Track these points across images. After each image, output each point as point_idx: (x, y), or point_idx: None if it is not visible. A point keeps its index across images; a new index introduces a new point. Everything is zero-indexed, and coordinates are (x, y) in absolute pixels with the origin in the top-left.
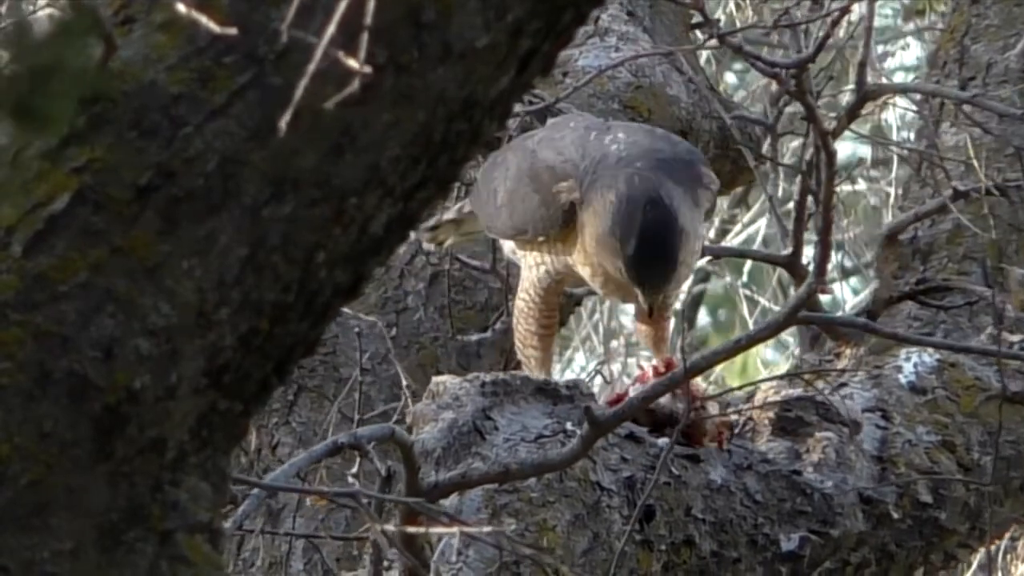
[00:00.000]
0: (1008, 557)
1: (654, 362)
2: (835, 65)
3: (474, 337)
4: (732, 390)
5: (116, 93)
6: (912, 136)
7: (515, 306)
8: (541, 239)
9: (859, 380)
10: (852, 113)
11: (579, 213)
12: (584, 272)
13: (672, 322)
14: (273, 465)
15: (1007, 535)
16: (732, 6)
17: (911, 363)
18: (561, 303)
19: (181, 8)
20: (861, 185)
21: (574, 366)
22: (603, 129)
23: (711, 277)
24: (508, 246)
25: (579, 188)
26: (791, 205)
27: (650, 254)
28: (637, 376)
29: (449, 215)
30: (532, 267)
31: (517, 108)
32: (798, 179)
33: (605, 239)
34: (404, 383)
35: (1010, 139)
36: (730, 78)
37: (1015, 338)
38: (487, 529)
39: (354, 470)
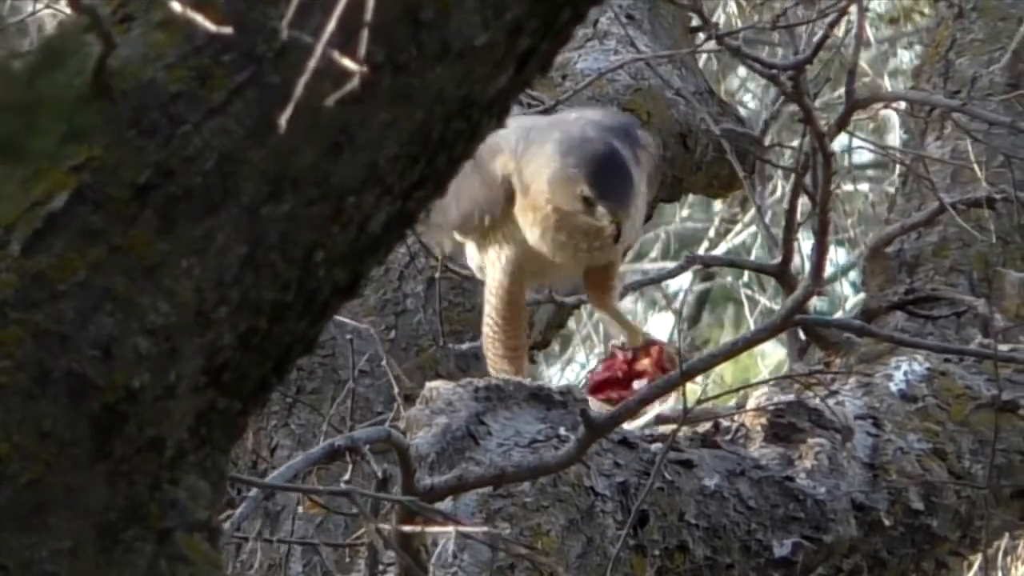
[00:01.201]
0: (1008, 558)
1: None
2: (832, 66)
3: (465, 346)
4: (726, 393)
5: (105, 100)
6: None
7: (482, 333)
8: (488, 220)
9: (850, 388)
10: (842, 122)
11: (516, 181)
12: (539, 239)
13: (618, 299)
14: (271, 468)
15: (998, 543)
16: (733, 7)
17: (901, 371)
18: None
19: (178, 7)
20: (863, 186)
21: (574, 365)
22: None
23: (715, 277)
24: (473, 259)
25: (514, 159)
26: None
27: (609, 171)
28: (609, 361)
29: None
30: (493, 264)
31: (518, 110)
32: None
33: (559, 175)
34: (396, 389)
35: (997, 149)
36: (733, 83)
37: (1006, 346)
38: (483, 528)
39: (346, 476)
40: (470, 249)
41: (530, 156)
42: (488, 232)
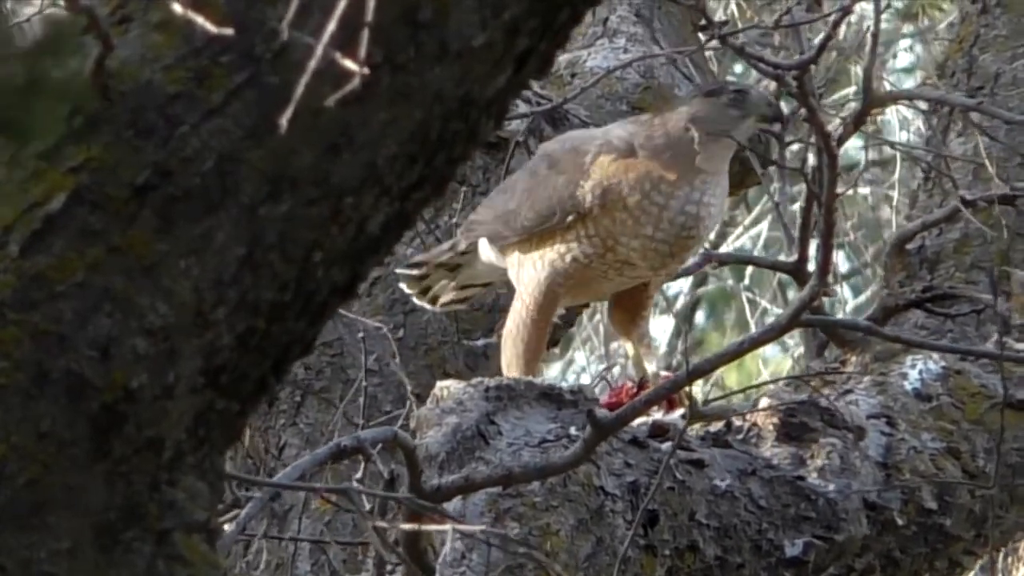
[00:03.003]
0: (1009, 560)
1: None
2: (837, 67)
3: (480, 342)
4: (735, 393)
5: (103, 101)
6: (914, 138)
7: (505, 330)
8: (570, 218)
9: (864, 386)
10: (859, 119)
11: (627, 169)
12: (662, 200)
13: (650, 320)
14: (279, 467)
15: (1012, 542)
16: (734, 8)
17: (916, 370)
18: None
19: (178, 8)
20: (864, 189)
21: (575, 367)
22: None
23: (707, 279)
24: (512, 261)
25: (609, 152)
26: (794, 208)
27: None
28: (616, 389)
29: (441, 256)
30: (539, 267)
31: (525, 108)
32: (802, 183)
33: (699, 101)
34: (408, 388)
35: (1017, 147)
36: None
37: (1021, 345)
38: (480, 528)
39: (358, 475)
40: (506, 259)
41: (644, 136)
42: (549, 237)
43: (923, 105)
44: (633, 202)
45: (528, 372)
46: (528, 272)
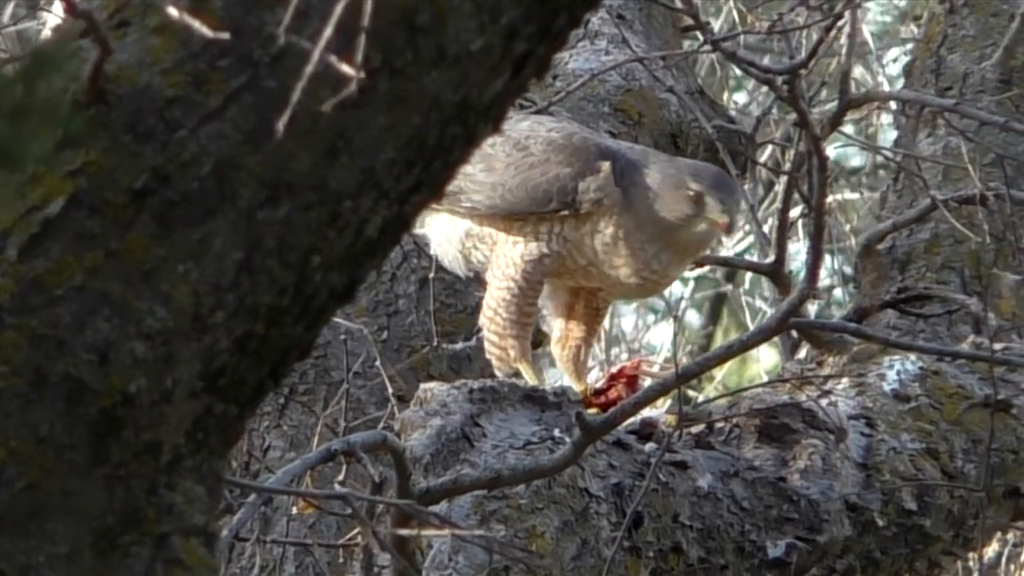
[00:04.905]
0: (1011, 567)
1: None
2: (828, 71)
3: (459, 345)
4: (719, 398)
5: (101, 105)
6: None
7: (491, 297)
8: (565, 213)
9: (843, 388)
10: (835, 121)
11: (612, 197)
12: (607, 250)
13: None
14: (264, 469)
15: (992, 542)
16: (734, 14)
17: (894, 371)
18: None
19: (175, 12)
20: (857, 194)
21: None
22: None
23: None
24: (466, 230)
25: (611, 181)
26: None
27: (715, 172)
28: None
29: None
30: (521, 242)
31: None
32: (783, 186)
33: (668, 182)
34: (390, 390)
35: (990, 147)
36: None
37: (998, 345)
38: (478, 532)
39: (341, 476)
40: (487, 233)
41: (634, 179)
42: (541, 219)
43: (896, 105)
44: (609, 234)
45: (524, 337)
46: (502, 255)
